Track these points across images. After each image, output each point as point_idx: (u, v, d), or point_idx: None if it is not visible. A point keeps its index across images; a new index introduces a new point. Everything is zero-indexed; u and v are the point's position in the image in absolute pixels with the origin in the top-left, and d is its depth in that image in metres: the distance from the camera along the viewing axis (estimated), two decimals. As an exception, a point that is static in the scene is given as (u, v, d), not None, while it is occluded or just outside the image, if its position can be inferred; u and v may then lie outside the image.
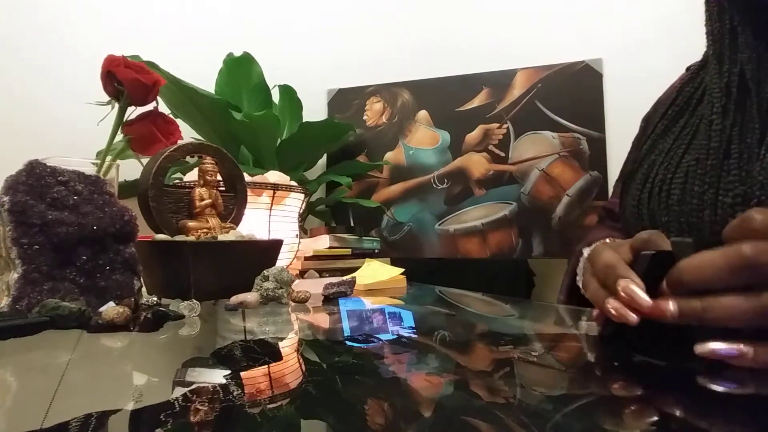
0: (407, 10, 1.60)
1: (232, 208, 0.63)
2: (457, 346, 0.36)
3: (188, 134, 1.22)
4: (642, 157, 0.53)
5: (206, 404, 0.21)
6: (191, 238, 0.55)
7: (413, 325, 0.42)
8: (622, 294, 0.29)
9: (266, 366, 0.29)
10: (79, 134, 0.93)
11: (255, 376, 0.27)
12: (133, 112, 0.59)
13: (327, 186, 1.50)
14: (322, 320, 0.46)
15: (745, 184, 0.40)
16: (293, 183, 0.86)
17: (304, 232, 1.10)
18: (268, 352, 0.33)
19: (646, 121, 0.64)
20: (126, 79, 0.56)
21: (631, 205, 0.51)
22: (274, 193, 0.80)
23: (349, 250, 0.97)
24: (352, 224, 1.47)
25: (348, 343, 0.35)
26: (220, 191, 0.62)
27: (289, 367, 0.29)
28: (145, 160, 0.59)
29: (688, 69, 0.56)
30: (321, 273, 0.89)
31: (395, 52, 1.58)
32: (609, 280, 0.31)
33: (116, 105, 0.58)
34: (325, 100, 1.57)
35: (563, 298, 0.60)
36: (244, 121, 1.17)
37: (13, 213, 0.41)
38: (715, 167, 0.42)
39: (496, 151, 1.39)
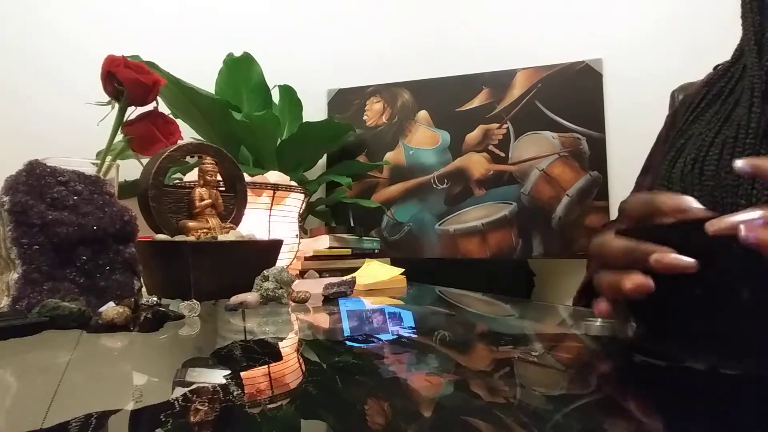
0: (407, 10, 1.60)
1: (232, 208, 0.63)
2: (457, 346, 0.36)
3: (188, 134, 1.22)
4: (671, 144, 0.53)
5: (206, 404, 0.21)
6: (191, 238, 0.55)
7: (413, 325, 0.42)
8: (664, 264, 0.28)
9: (266, 366, 0.29)
10: (79, 134, 0.93)
11: (255, 376, 0.27)
12: (133, 112, 0.59)
13: (327, 186, 1.50)
14: (322, 320, 0.46)
15: None
16: (293, 183, 0.86)
17: (304, 232, 1.10)
18: (268, 352, 0.33)
19: (673, 116, 0.64)
20: (126, 79, 0.56)
21: (659, 184, 0.51)
22: (274, 193, 0.80)
23: (349, 250, 0.97)
24: (352, 224, 1.47)
25: (348, 343, 0.35)
26: (220, 191, 0.62)
27: (289, 367, 0.29)
28: (145, 160, 0.59)
29: (715, 68, 0.56)
30: (321, 273, 0.88)
31: (395, 52, 1.58)
32: (638, 262, 0.31)
33: (116, 105, 0.58)
34: (325, 100, 1.57)
35: (577, 296, 0.59)
36: (244, 121, 1.17)
37: (13, 213, 0.41)
38: (753, 145, 0.43)
39: (496, 151, 1.39)
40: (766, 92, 0.44)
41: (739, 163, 0.29)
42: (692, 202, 0.31)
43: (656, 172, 0.54)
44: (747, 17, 0.49)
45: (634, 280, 0.30)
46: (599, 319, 0.40)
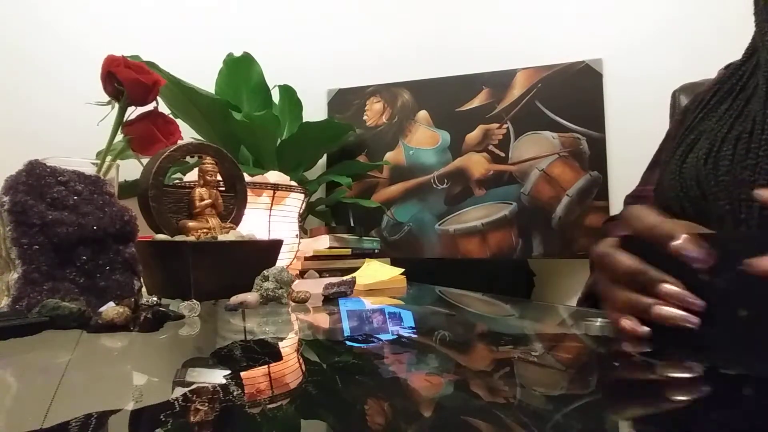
0: (407, 10, 1.60)
1: (232, 208, 0.63)
2: (457, 346, 0.36)
3: (188, 134, 1.22)
4: (680, 140, 0.52)
5: (206, 404, 0.21)
6: (191, 238, 0.55)
7: (413, 325, 0.42)
8: (673, 297, 0.30)
9: (266, 366, 0.29)
10: (79, 134, 0.93)
11: (255, 376, 0.27)
12: (133, 112, 0.59)
13: (327, 186, 1.50)
14: (322, 320, 0.46)
15: None
16: (293, 183, 0.86)
17: (304, 232, 1.10)
18: (268, 352, 0.33)
19: (684, 113, 0.64)
20: (126, 79, 0.56)
21: (669, 179, 0.50)
22: (274, 193, 0.80)
23: (349, 250, 0.97)
24: (352, 224, 1.47)
25: (348, 343, 0.35)
26: (220, 191, 0.62)
27: (289, 367, 0.29)
28: (145, 160, 0.59)
29: (727, 67, 0.56)
30: (321, 273, 0.88)
31: (395, 52, 1.58)
32: (647, 286, 0.32)
33: (116, 105, 0.58)
34: (325, 100, 1.57)
35: (582, 298, 0.58)
36: (244, 121, 1.17)
37: (13, 213, 0.41)
38: None
39: (496, 151, 1.39)
40: None
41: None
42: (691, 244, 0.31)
43: (664, 167, 0.53)
44: (760, 13, 0.48)
45: (668, 312, 0.31)
46: (599, 319, 0.40)
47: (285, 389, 0.25)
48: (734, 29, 0.55)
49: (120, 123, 0.58)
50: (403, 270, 0.76)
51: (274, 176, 0.85)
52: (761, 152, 0.43)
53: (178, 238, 0.55)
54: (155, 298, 0.49)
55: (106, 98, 0.59)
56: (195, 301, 0.46)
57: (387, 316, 0.47)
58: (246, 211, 0.65)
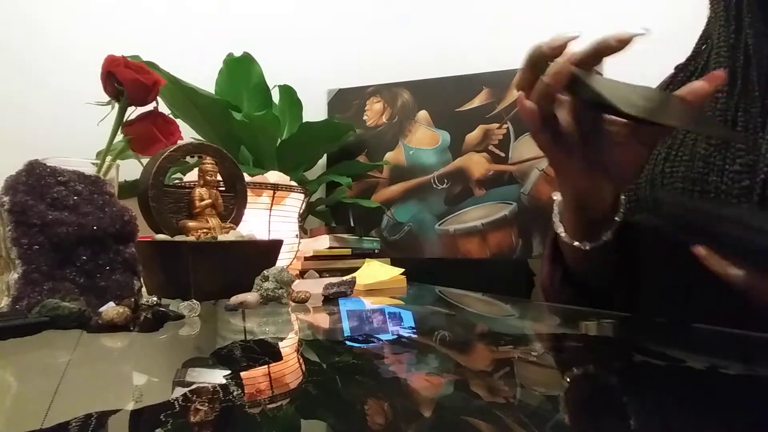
0: (407, 11, 1.60)
1: (232, 208, 0.63)
2: (457, 346, 0.36)
3: (188, 134, 1.22)
4: None
5: (206, 404, 0.21)
6: (191, 238, 0.55)
7: (413, 325, 0.42)
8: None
9: (266, 366, 0.29)
10: (79, 134, 0.93)
11: (255, 376, 0.27)
12: (133, 112, 0.59)
13: (327, 186, 1.50)
14: (322, 320, 0.46)
15: (751, 153, 0.40)
16: (293, 183, 0.86)
17: (304, 232, 1.10)
18: (268, 352, 0.33)
19: None
20: (126, 79, 0.56)
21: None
22: (274, 193, 0.80)
23: (349, 250, 0.97)
24: (352, 224, 1.46)
25: (348, 343, 0.35)
26: (220, 191, 0.62)
27: (289, 367, 0.29)
28: (145, 160, 0.59)
29: (676, 68, 0.56)
30: (321, 273, 0.88)
31: (395, 52, 1.58)
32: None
33: (116, 105, 0.58)
34: (325, 100, 1.57)
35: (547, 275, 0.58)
36: (244, 122, 1.17)
37: (13, 213, 0.41)
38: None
39: (496, 151, 1.39)
40: (734, 71, 0.44)
41: None
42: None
43: None
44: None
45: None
46: (599, 319, 0.40)
47: (285, 389, 0.25)
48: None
49: (120, 123, 0.58)
50: (403, 270, 0.76)
51: (274, 176, 0.85)
52: (713, 141, 0.43)
53: (178, 238, 0.55)
54: (155, 298, 0.49)
55: (106, 98, 0.59)
56: (195, 301, 0.46)
57: (387, 316, 0.47)
58: (246, 211, 0.65)
